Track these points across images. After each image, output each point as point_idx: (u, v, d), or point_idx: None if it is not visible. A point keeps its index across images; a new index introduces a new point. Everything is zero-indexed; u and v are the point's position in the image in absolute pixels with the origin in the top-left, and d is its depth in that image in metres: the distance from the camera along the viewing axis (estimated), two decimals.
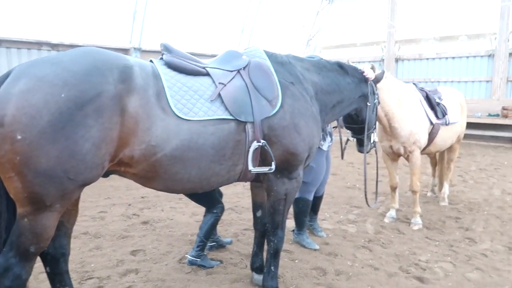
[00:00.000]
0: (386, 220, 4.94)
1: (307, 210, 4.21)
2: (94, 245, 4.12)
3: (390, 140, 4.71)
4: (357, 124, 3.62)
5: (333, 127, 4.21)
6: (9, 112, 1.91)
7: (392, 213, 4.99)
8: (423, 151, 4.99)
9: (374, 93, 3.53)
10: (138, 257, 3.86)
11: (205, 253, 3.70)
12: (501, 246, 4.18)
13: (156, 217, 4.99)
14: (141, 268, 3.61)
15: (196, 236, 3.75)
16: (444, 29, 12.46)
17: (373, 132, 3.71)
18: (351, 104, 3.40)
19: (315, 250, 4.05)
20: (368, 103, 3.49)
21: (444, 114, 4.93)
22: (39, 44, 8.42)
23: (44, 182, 1.98)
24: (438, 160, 5.99)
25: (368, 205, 4.01)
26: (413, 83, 5.13)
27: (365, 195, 3.96)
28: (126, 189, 6.34)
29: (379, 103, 3.74)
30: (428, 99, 4.89)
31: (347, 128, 3.79)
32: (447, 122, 4.95)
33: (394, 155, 4.90)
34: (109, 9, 9.65)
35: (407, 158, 4.81)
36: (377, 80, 3.61)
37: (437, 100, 4.96)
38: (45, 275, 2.72)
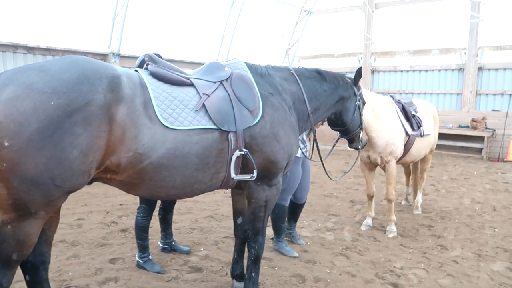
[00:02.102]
0: (362, 228, 5.08)
1: (284, 216, 4.29)
2: (71, 253, 4.06)
3: (367, 150, 4.87)
4: (340, 127, 3.71)
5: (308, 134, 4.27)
6: None
7: (368, 221, 5.13)
8: (399, 161, 5.17)
9: (355, 95, 3.60)
10: (117, 265, 3.83)
11: (148, 256, 3.76)
12: (471, 253, 4.37)
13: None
14: (120, 276, 3.59)
15: None
16: (418, 43, 12.95)
17: (359, 132, 3.78)
18: (328, 110, 3.47)
19: (294, 257, 4.12)
20: (347, 106, 3.55)
21: (419, 126, 5.13)
22: (14, 47, 8.22)
23: (30, 189, 1.99)
24: (412, 169, 6.21)
25: (331, 179, 4.00)
26: (390, 95, 5.33)
27: (325, 170, 3.88)
28: (103, 196, 6.26)
29: (363, 103, 3.78)
30: (404, 111, 5.08)
31: (333, 130, 3.86)
32: (422, 134, 5.15)
33: (371, 165, 5.05)
34: (88, 13, 9.55)
35: (383, 168, 4.98)
36: (355, 81, 3.65)
37: (413, 112, 5.15)
38: (21, 284, 2.67)
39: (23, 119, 1.92)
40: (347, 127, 3.66)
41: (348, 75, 3.74)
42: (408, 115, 5.04)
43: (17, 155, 1.92)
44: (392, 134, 4.77)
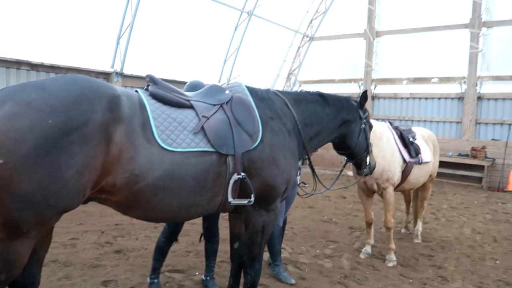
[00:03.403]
0: (361, 255, 4.98)
1: (279, 236, 4.20)
2: (63, 274, 3.96)
3: (364, 176, 4.82)
4: (345, 150, 3.66)
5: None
6: None
7: (367, 249, 5.04)
8: (397, 188, 5.12)
9: (360, 118, 3.57)
10: (110, 287, 3.73)
11: (154, 280, 3.69)
12: (472, 286, 4.27)
13: (130, 246, 4.86)
14: None
15: None
16: (418, 70, 13.08)
17: (366, 156, 3.72)
18: (331, 134, 3.43)
19: (291, 284, 4.01)
20: (351, 129, 3.51)
21: (417, 153, 5.09)
22: (18, 63, 8.28)
23: (22, 208, 1.94)
24: (412, 197, 6.15)
25: (325, 187, 3.68)
26: (388, 121, 5.32)
27: (317, 179, 3.62)
28: (99, 215, 6.17)
29: (370, 127, 3.73)
30: (402, 137, 5.05)
31: (339, 154, 3.80)
32: (420, 161, 5.10)
33: (368, 191, 5.00)
34: (93, 32, 9.67)
35: (380, 195, 4.92)
36: (360, 105, 3.63)
37: (411, 139, 5.12)
38: None
39: (19, 136, 1.90)
40: (353, 151, 3.62)
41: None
42: (406, 142, 5.00)
43: (11, 173, 1.88)
44: (389, 160, 4.73)
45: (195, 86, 3.38)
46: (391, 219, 4.90)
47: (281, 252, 4.24)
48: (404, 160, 4.92)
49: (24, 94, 2.01)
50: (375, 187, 4.82)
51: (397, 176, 4.84)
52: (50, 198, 1.99)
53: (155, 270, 3.70)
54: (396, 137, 5.01)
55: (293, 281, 4.04)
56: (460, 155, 11.57)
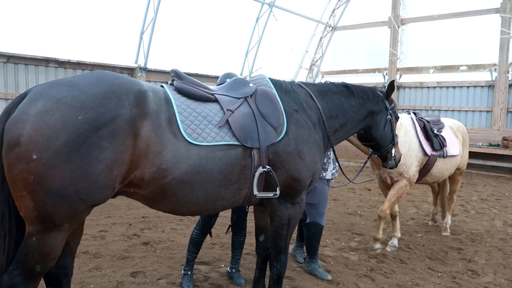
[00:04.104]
0: (388, 249, 4.90)
1: (320, 236, 4.16)
2: (94, 265, 4.08)
3: (379, 168, 4.72)
4: (370, 142, 3.58)
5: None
6: (26, 132, 1.95)
7: (394, 241, 4.96)
8: (419, 181, 4.98)
9: (386, 109, 3.49)
10: (138, 279, 3.82)
11: (188, 272, 3.75)
12: (504, 280, 4.14)
13: (156, 238, 4.96)
14: None
15: None
16: (445, 59, 12.69)
17: (392, 148, 3.63)
18: (357, 125, 3.37)
19: (327, 280, 3.96)
20: (377, 120, 3.44)
21: (442, 146, 4.88)
22: (46, 61, 8.53)
23: (55, 202, 2.01)
24: (440, 188, 5.99)
25: (349, 180, 3.68)
26: (414, 112, 5.13)
27: (341, 171, 3.70)
28: (127, 208, 6.32)
29: (396, 118, 3.65)
30: (425, 130, 4.85)
31: (364, 145, 3.74)
32: (445, 155, 4.90)
33: (387, 183, 4.90)
34: (117, 28, 9.84)
35: (389, 188, 4.81)
36: (387, 95, 3.55)
37: (435, 132, 4.92)
38: None
39: (51, 132, 1.95)
40: (378, 142, 3.54)
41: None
42: (429, 134, 4.81)
43: (44, 168, 1.95)
44: (404, 154, 4.47)
45: (228, 77, 3.44)
46: (387, 210, 4.67)
47: (318, 250, 4.20)
48: (426, 154, 4.76)
49: (55, 91, 2.06)
50: (388, 180, 4.72)
51: (412, 171, 4.67)
52: (81, 192, 2.04)
53: (189, 262, 3.75)
54: (419, 129, 4.82)
55: (329, 277, 3.99)
56: (490, 145, 11.19)
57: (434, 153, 4.80)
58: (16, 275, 2.11)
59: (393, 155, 3.66)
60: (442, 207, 5.91)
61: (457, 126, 5.59)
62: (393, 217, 4.99)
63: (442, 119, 5.45)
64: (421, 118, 5.03)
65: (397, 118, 3.69)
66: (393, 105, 3.58)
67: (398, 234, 5.00)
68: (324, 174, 4.05)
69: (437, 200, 6.10)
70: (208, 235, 3.84)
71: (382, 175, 4.71)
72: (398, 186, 4.68)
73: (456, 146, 5.16)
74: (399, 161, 3.80)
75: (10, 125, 2.00)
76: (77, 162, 1.99)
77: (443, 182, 5.76)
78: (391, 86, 3.52)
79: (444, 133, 5.09)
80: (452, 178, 5.65)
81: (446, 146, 4.94)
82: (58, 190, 1.99)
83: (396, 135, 3.65)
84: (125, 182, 2.25)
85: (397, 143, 3.72)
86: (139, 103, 2.23)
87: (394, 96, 3.67)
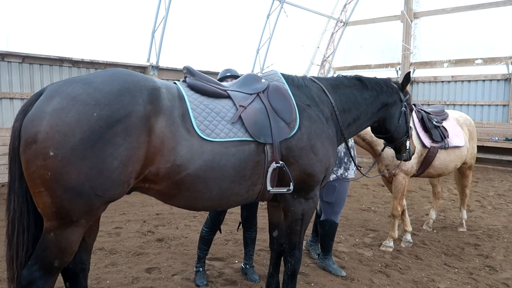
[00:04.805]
0: (402, 244, 4.85)
1: (334, 233, 4.14)
2: (109, 261, 4.13)
3: (377, 162, 4.66)
4: (384, 134, 3.53)
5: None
6: (43, 129, 1.98)
7: (407, 237, 4.90)
8: (423, 175, 4.90)
9: (401, 101, 3.43)
10: (153, 274, 3.86)
11: (200, 268, 3.77)
12: None
13: (171, 235, 5.00)
14: (156, 286, 3.61)
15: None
16: (459, 52, 12.46)
17: (406, 140, 3.58)
18: (370, 119, 3.33)
19: (341, 276, 3.95)
20: (391, 112, 3.39)
21: (442, 137, 4.76)
22: (60, 61, 8.65)
23: (72, 198, 2.04)
24: (457, 183, 5.84)
25: (362, 174, 3.68)
26: (413, 104, 5.02)
27: (356, 166, 3.73)
28: (141, 205, 6.38)
29: (410, 110, 3.59)
30: (422, 121, 4.72)
31: (378, 137, 3.69)
32: (446, 146, 4.77)
33: (386, 177, 4.84)
34: (129, 27, 9.91)
35: (391, 181, 4.75)
36: (402, 86, 3.49)
37: (435, 123, 4.80)
38: None
39: (67, 129, 1.98)
40: (392, 135, 3.49)
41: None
42: (427, 126, 4.69)
43: (61, 165, 1.97)
44: None
45: (228, 72, 3.66)
46: (398, 207, 4.68)
47: (332, 247, 4.18)
48: (425, 146, 4.64)
49: (70, 89, 2.09)
50: (386, 173, 4.64)
51: (410, 163, 4.56)
52: (97, 188, 2.07)
53: (200, 259, 3.78)
54: (416, 121, 4.69)
55: (344, 274, 3.97)
56: (507, 139, 10.96)
57: (434, 144, 4.68)
58: (35, 270, 2.15)
59: (407, 148, 3.61)
60: (462, 199, 5.74)
61: (464, 119, 5.45)
62: (401, 212, 4.93)
63: (449, 111, 5.32)
64: (420, 109, 4.89)
65: (411, 110, 3.63)
66: (408, 96, 3.51)
67: (409, 228, 4.93)
68: (347, 173, 4.02)
69: (437, 204, 5.86)
70: (218, 231, 3.85)
71: (380, 169, 4.65)
72: (396, 182, 4.65)
73: (460, 137, 5.02)
74: (413, 154, 3.75)
75: (27, 123, 2.03)
76: (93, 158, 2.02)
77: (460, 175, 5.63)
78: (407, 77, 3.45)
79: (446, 124, 4.96)
80: (462, 173, 5.55)
81: (447, 137, 4.82)
82: (74, 186, 2.02)
83: (410, 127, 3.59)
84: (140, 178, 2.27)
85: (411, 135, 3.66)
86: (153, 99, 2.25)
87: (408, 90, 3.60)
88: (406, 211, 4.99)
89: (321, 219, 4.15)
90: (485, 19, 11.91)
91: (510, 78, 11.42)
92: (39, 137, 1.97)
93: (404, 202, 4.95)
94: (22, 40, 8.27)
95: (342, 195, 4.04)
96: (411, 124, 4.61)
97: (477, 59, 12.14)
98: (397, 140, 3.54)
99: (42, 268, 2.15)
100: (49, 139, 1.96)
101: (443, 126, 4.86)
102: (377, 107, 3.31)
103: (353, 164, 4.02)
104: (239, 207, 3.83)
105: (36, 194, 2.06)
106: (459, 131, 5.09)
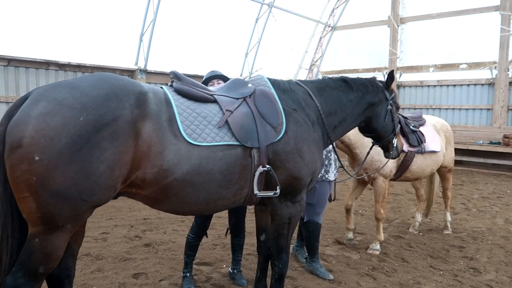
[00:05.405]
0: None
1: (318, 234, 4.16)
2: (96, 267, 4.09)
3: (354, 165, 4.73)
4: (371, 133, 3.57)
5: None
6: (28, 134, 1.96)
7: (348, 235, 5.03)
8: (401, 178, 4.98)
9: (386, 99, 3.47)
10: (140, 280, 3.83)
11: (187, 273, 3.76)
12: (506, 277, 4.15)
13: (158, 240, 4.97)
14: None
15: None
16: (445, 57, 12.68)
17: (393, 138, 3.62)
18: (356, 119, 3.36)
19: (329, 279, 3.97)
20: (377, 111, 3.42)
21: (419, 142, 4.84)
22: (47, 64, 8.54)
23: (58, 203, 2.02)
24: (427, 185, 5.90)
25: (350, 175, 3.77)
26: None
27: (343, 168, 3.70)
28: (128, 210, 6.33)
29: (397, 108, 3.62)
30: (400, 125, 4.80)
31: (365, 136, 3.72)
32: (423, 150, 4.86)
33: (359, 180, 4.92)
34: (116, 31, 9.85)
35: (371, 185, 4.83)
36: (387, 85, 3.52)
37: (411, 128, 4.87)
38: None
39: (53, 134, 1.97)
40: (378, 133, 3.53)
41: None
42: (404, 130, 4.76)
43: (47, 169, 1.96)
44: (378, 150, 4.28)
45: (213, 74, 3.66)
46: (381, 210, 4.76)
47: (318, 249, 4.21)
48: (402, 150, 4.73)
49: (56, 93, 2.08)
50: (365, 177, 4.71)
51: (389, 167, 4.63)
52: (84, 193, 2.05)
53: (187, 265, 3.77)
54: None
55: (331, 277, 3.99)
56: (491, 143, 11.19)
57: (411, 149, 4.77)
58: (19, 276, 2.12)
59: (394, 145, 3.66)
60: (428, 205, 5.85)
61: (441, 125, 5.56)
62: (346, 210, 5.09)
63: (426, 117, 5.42)
64: (398, 114, 4.99)
65: (398, 108, 3.67)
66: (393, 95, 3.54)
67: (352, 226, 5.06)
68: (327, 175, 4.06)
69: (421, 206, 5.93)
70: (204, 236, 3.84)
71: (358, 173, 4.67)
72: (377, 185, 4.73)
73: (436, 142, 5.10)
74: (401, 151, 3.80)
75: (12, 127, 2.01)
76: (79, 162, 2.00)
77: (430, 178, 5.73)
78: (391, 76, 3.48)
79: (424, 129, 5.05)
80: (442, 176, 5.67)
81: (424, 142, 4.91)
82: (60, 191, 2.00)
83: (397, 125, 3.64)
84: (127, 183, 2.26)
85: (398, 133, 3.70)
86: (140, 104, 2.25)
87: (393, 88, 3.64)
88: (351, 211, 5.07)
89: (304, 220, 4.18)
90: (470, 25, 12.16)
91: (494, 83, 11.66)
92: (24, 142, 1.95)
93: (351, 201, 5.04)
94: (8, 43, 8.15)
95: (323, 195, 4.07)
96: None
97: (461, 64, 12.37)
98: (384, 139, 3.58)
99: (27, 274, 2.12)
100: (35, 144, 1.95)
101: (420, 131, 4.96)
102: (363, 108, 3.34)
103: (333, 166, 4.06)
104: (227, 212, 3.82)
105: (21, 199, 2.03)
106: (436, 136, 5.18)
